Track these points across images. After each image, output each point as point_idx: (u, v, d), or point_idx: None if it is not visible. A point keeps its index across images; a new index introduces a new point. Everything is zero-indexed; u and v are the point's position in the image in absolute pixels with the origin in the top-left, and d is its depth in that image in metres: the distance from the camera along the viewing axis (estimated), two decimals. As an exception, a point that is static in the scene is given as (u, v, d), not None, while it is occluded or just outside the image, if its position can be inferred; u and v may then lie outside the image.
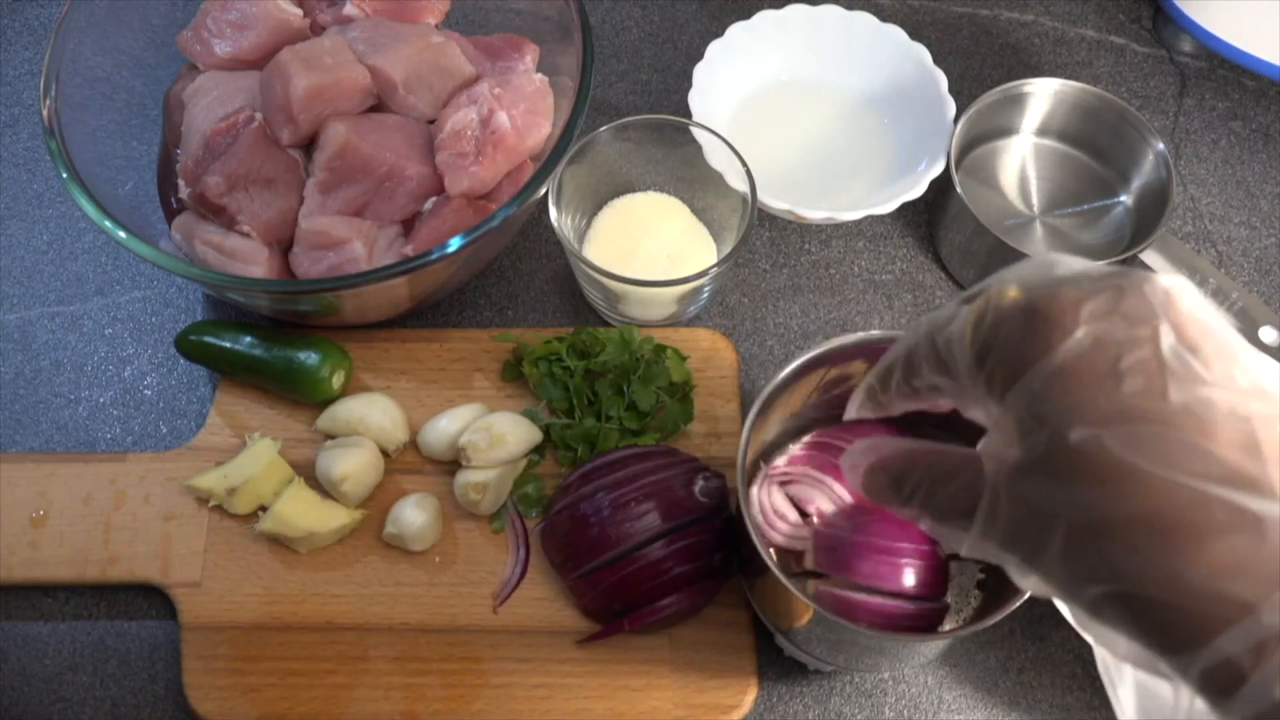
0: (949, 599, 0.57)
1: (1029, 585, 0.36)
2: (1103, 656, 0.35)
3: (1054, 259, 0.36)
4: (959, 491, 0.37)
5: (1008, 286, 0.36)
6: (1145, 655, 0.33)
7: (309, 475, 0.65)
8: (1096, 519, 0.32)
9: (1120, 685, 0.34)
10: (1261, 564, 0.30)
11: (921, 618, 0.55)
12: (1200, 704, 0.31)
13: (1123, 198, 0.75)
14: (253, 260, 0.65)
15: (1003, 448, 0.35)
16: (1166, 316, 0.33)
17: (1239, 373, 0.33)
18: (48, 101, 0.64)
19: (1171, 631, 0.31)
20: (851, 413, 0.44)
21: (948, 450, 0.39)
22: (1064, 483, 0.33)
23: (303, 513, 0.62)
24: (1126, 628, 0.32)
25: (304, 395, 0.66)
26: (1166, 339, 0.33)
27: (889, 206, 0.70)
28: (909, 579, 0.55)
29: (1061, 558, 0.33)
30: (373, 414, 0.65)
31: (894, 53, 0.77)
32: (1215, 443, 0.31)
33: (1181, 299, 0.34)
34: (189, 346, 0.68)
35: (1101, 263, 0.36)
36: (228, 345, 0.67)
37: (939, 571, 0.56)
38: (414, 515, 0.62)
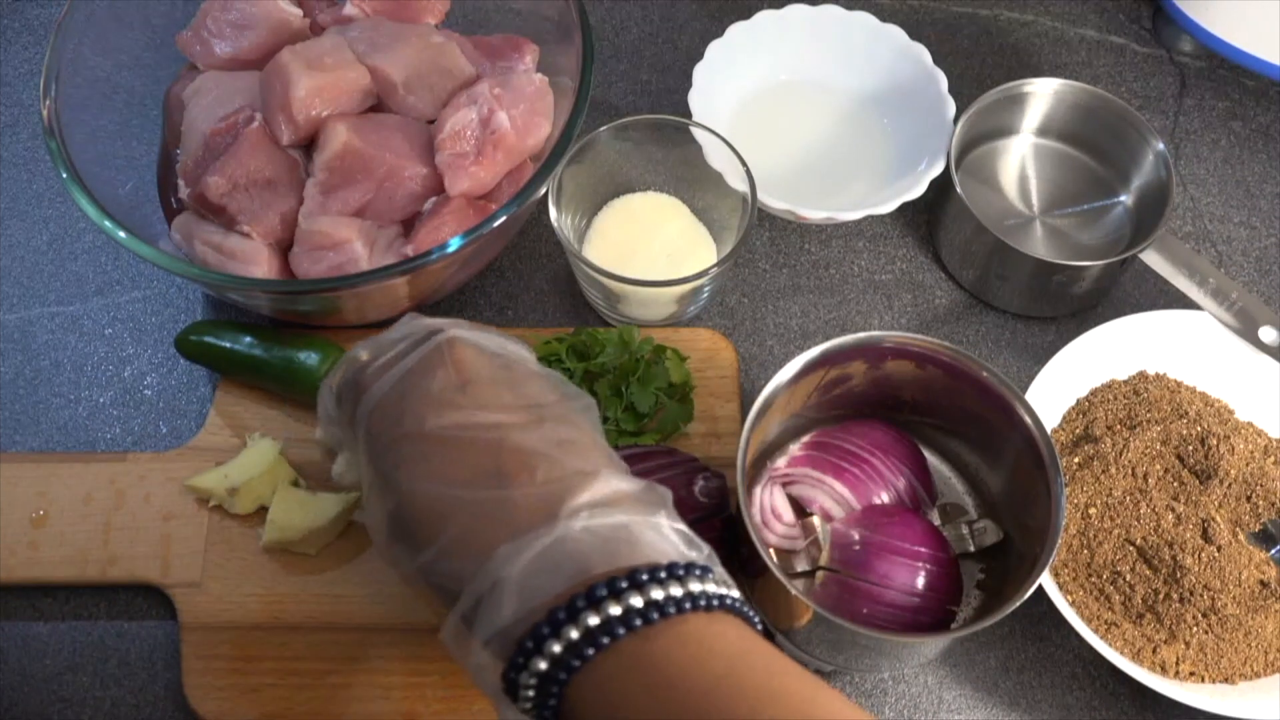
0: (955, 606, 0.57)
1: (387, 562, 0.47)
2: None
3: (404, 323, 0.49)
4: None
5: (360, 348, 0.49)
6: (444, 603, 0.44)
7: (309, 476, 0.65)
8: (394, 521, 0.44)
9: None
10: (478, 538, 0.41)
11: (925, 620, 0.55)
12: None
13: (1123, 198, 0.75)
14: (253, 260, 0.65)
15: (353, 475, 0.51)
16: (448, 359, 0.45)
17: (506, 395, 0.45)
18: (48, 101, 0.64)
19: (442, 592, 0.43)
20: (320, 436, 0.54)
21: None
22: (376, 493, 0.45)
23: (297, 512, 0.62)
24: (427, 588, 0.44)
25: (304, 395, 0.66)
26: (439, 378, 0.45)
27: (889, 206, 0.70)
28: (919, 581, 0.55)
29: (387, 547, 0.45)
30: None
31: (894, 53, 0.77)
32: (459, 455, 0.43)
33: (462, 345, 0.46)
34: (189, 347, 0.68)
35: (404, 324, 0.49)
36: (227, 345, 0.67)
37: (952, 578, 0.57)
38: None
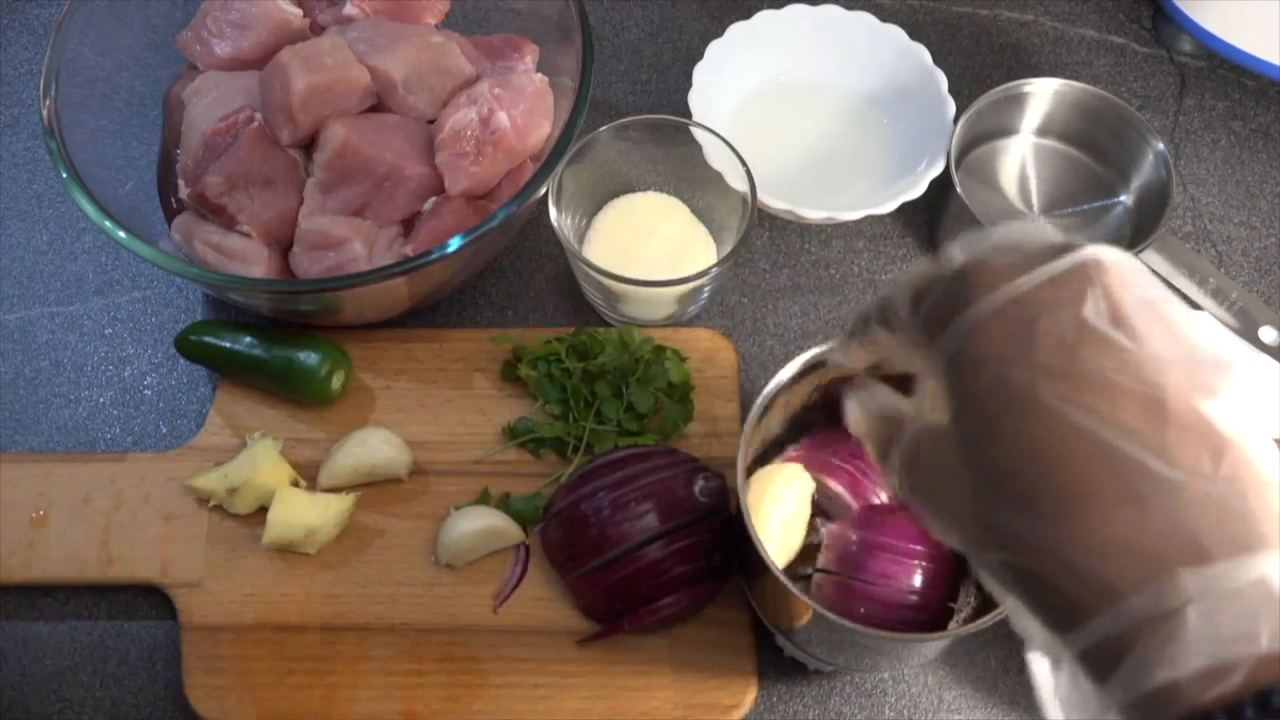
0: (954, 604, 0.57)
1: (948, 541, 0.36)
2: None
3: (1019, 227, 0.37)
4: (889, 440, 0.39)
5: (956, 247, 0.37)
6: (1039, 630, 0.33)
7: (312, 475, 0.65)
8: (997, 477, 0.33)
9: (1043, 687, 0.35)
10: (1144, 544, 0.30)
11: (924, 619, 0.55)
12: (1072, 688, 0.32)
13: (1123, 198, 0.75)
14: (253, 260, 0.65)
15: (927, 401, 0.37)
16: (1098, 283, 0.33)
17: (1170, 343, 0.32)
18: (48, 101, 0.64)
19: (1055, 607, 0.31)
20: (836, 357, 0.45)
21: (898, 408, 0.40)
22: (970, 433, 0.34)
23: (297, 511, 0.62)
24: (1020, 598, 0.33)
25: (304, 395, 0.66)
26: (1089, 306, 0.33)
27: (889, 206, 0.70)
28: (917, 580, 0.55)
29: (968, 519, 0.34)
30: (374, 453, 0.64)
31: (894, 53, 0.77)
32: (1116, 408, 0.31)
33: (1115, 270, 0.34)
34: (189, 347, 0.68)
35: (1060, 234, 0.36)
36: (227, 345, 0.67)
37: (948, 575, 0.57)
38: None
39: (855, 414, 0.42)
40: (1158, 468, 0.30)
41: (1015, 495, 0.32)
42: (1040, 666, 0.34)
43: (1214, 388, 0.32)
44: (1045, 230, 0.36)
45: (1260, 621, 0.29)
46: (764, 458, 0.62)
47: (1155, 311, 0.33)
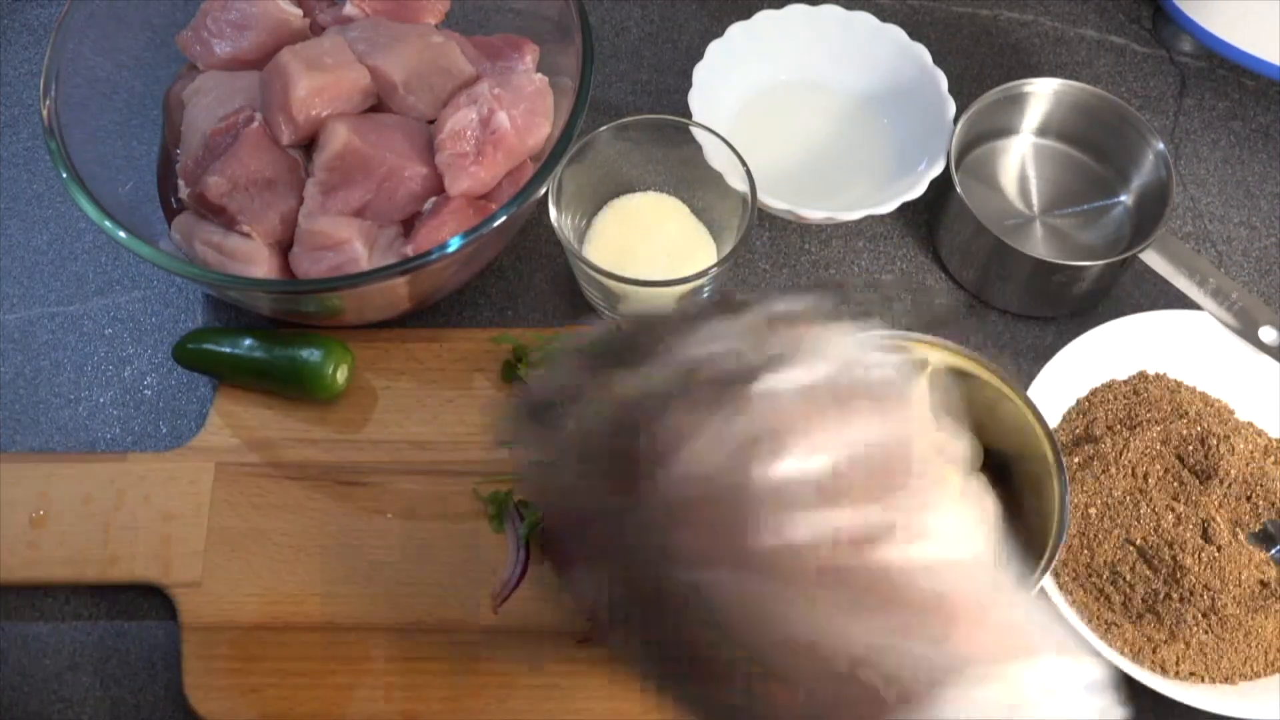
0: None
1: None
2: None
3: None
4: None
5: (632, 382, 0.33)
6: None
7: (311, 476, 0.65)
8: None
9: None
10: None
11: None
12: None
13: (1123, 198, 0.75)
14: (253, 260, 0.65)
15: None
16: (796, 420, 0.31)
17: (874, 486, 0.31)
18: (48, 101, 0.64)
19: None
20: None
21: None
22: (647, 617, 0.33)
23: None
24: None
25: (310, 393, 0.66)
26: (768, 466, 0.30)
27: (889, 206, 0.70)
28: None
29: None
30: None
31: (894, 53, 0.77)
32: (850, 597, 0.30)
33: (775, 397, 0.31)
34: (187, 356, 0.68)
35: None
36: (228, 350, 0.67)
37: None
38: None
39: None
40: (842, 644, 0.30)
41: (701, 679, 0.32)
42: None
43: (891, 534, 0.30)
44: (733, 333, 0.33)
45: None
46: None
47: (852, 416, 0.31)
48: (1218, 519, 0.61)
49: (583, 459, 0.33)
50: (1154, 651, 0.60)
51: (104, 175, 0.65)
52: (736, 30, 0.77)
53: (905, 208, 0.71)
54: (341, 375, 0.66)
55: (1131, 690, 0.62)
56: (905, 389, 0.32)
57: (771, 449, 0.30)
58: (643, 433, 0.31)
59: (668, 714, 0.34)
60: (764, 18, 0.78)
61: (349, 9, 0.72)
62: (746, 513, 0.30)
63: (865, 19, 0.77)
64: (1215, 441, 0.63)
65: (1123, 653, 0.59)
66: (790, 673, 0.29)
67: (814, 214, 0.70)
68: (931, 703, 0.28)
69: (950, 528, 0.31)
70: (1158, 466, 0.63)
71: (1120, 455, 0.63)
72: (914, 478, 0.31)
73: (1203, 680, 0.60)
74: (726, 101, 0.77)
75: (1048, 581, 0.60)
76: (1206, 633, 0.59)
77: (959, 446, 0.31)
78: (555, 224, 0.66)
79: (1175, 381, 0.67)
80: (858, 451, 0.30)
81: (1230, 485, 0.62)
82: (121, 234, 0.61)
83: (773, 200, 0.69)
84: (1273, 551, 0.61)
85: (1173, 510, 0.62)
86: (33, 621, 0.64)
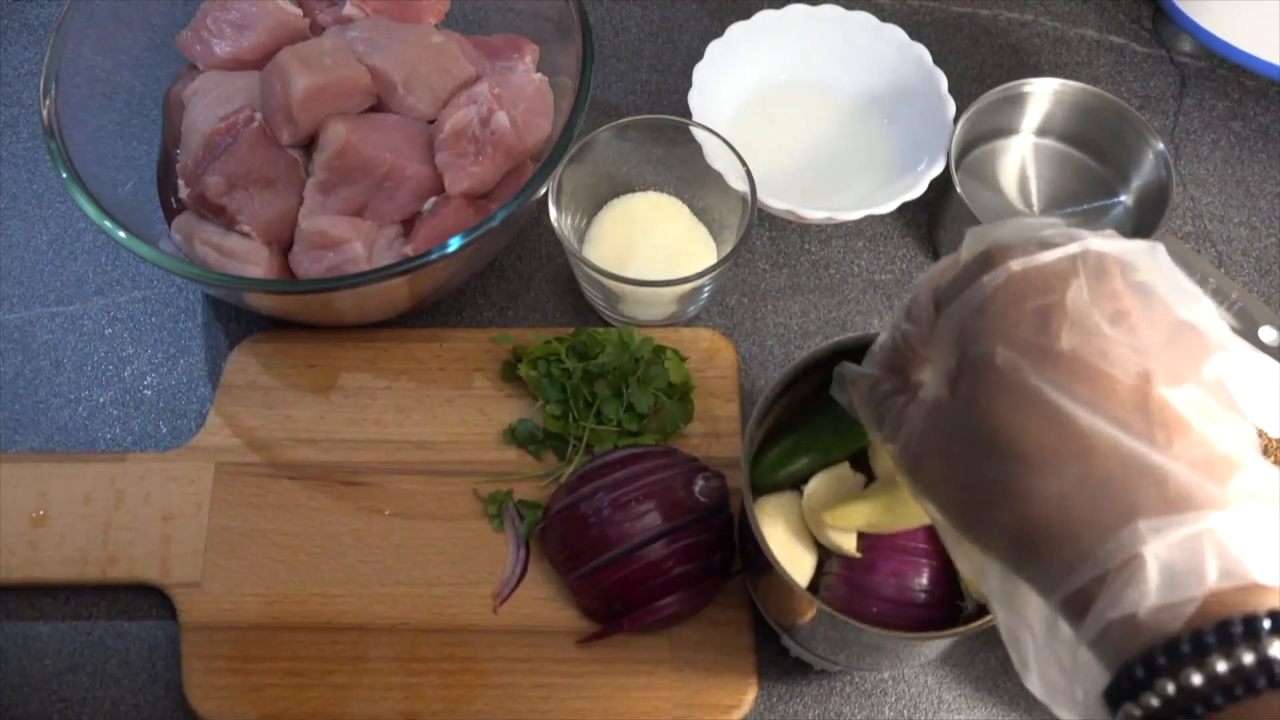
0: (961, 602, 0.57)
1: (935, 511, 0.40)
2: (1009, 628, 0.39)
3: (1035, 220, 0.40)
4: (893, 428, 0.41)
5: (971, 234, 0.40)
6: (1009, 588, 0.37)
7: (311, 476, 0.65)
8: (981, 437, 0.36)
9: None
10: (1105, 498, 0.34)
11: (932, 617, 0.55)
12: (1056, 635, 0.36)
13: (1123, 198, 0.75)
14: (253, 260, 0.65)
15: (928, 377, 0.40)
16: (1092, 270, 0.36)
17: (1149, 330, 0.35)
18: (48, 101, 0.64)
19: (1034, 563, 0.35)
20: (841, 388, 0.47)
21: (898, 381, 0.42)
22: (962, 399, 0.37)
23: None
24: (1002, 559, 0.37)
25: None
26: (1074, 292, 0.36)
27: (889, 206, 0.70)
28: (926, 578, 0.55)
29: (955, 481, 0.37)
30: None
31: (894, 53, 0.77)
32: (1087, 388, 0.34)
33: (1111, 259, 0.37)
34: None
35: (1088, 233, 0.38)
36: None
37: (954, 575, 0.57)
38: None
39: (854, 383, 0.44)
40: (1117, 438, 0.34)
41: (997, 453, 0.36)
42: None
43: (1181, 376, 0.35)
44: (1059, 224, 0.39)
45: (1207, 564, 0.32)
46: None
47: (1144, 299, 0.36)
48: None
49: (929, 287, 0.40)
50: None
51: (104, 175, 0.65)
52: (736, 30, 0.77)
53: (905, 208, 0.72)
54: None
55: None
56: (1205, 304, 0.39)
57: (1097, 284, 0.37)
58: (979, 256, 0.38)
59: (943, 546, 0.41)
60: (764, 18, 0.78)
61: (349, 9, 0.72)
62: (1072, 317, 0.35)
63: (865, 19, 0.77)
64: (1215, 441, 0.63)
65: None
66: (1078, 453, 0.34)
67: (814, 214, 0.70)
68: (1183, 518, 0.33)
69: (1227, 402, 0.36)
70: (1158, 466, 0.63)
71: (1120, 455, 0.63)
72: (1203, 367, 0.36)
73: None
74: (726, 101, 0.77)
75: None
76: (1206, 633, 0.59)
77: (1231, 357, 0.38)
78: (555, 224, 0.66)
79: (1175, 381, 0.67)
80: (1164, 328, 0.36)
81: (1230, 485, 0.62)
82: (121, 234, 0.61)
83: (773, 200, 0.69)
84: (1273, 551, 0.61)
85: (1173, 510, 0.61)
86: (33, 621, 0.64)
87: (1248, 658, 0.31)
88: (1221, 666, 0.31)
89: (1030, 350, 0.35)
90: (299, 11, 0.71)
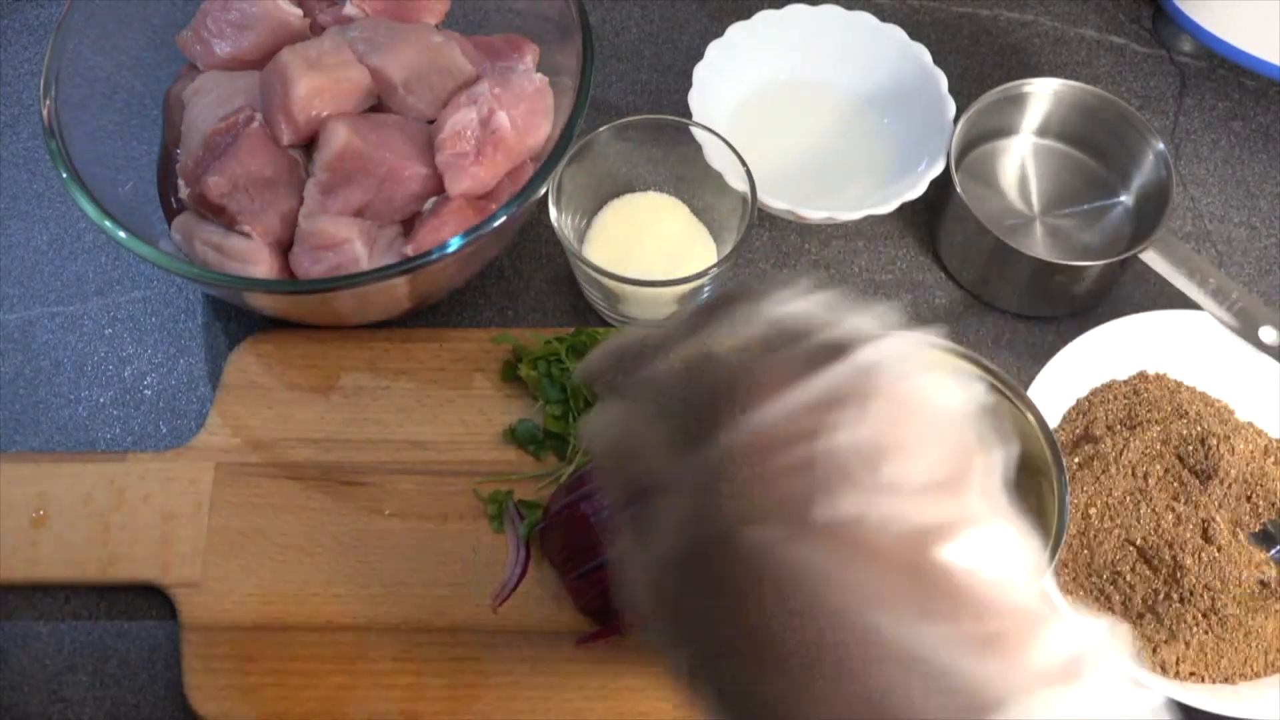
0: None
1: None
2: None
3: (795, 311, 0.33)
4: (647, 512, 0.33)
5: (724, 337, 0.33)
6: None
7: (311, 476, 0.65)
8: (730, 637, 0.29)
9: None
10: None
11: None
12: None
13: (1123, 198, 0.75)
14: (253, 260, 0.65)
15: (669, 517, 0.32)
16: (864, 398, 0.30)
17: (925, 459, 0.30)
18: (48, 101, 0.64)
19: None
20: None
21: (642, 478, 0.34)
22: (705, 581, 0.30)
23: None
24: None
25: None
26: (843, 436, 0.29)
27: (889, 206, 0.70)
28: None
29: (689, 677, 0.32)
30: None
31: (894, 53, 0.77)
32: (852, 566, 0.29)
33: (887, 374, 0.30)
34: None
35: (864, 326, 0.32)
36: None
37: None
38: None
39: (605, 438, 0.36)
40: (888, 632, 0.28)
41: (746, 657, 0.29)
42: None
43: (959, 517, 0.29)
44: (823, 315, 0.32)
45: None
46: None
47: (924, 418, 0.31)
48: (1218, 519, 0.61)
49: (661, 401, 0.33)
50: (1154, 652, 0.60)
51: (104, 175, 0.65)
52: (736, 30, 0.77)
53: (905, 208, 0.71)
54: None
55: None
56: (969, 393, 0.32)
57: (857, 417, 0.30)
58: (727, 382, 0.31)
59: (690, 707, 0.33)
60: (764, 18, 0.78)
61: (349, 9, 0.72)
62: (826, 475, 0.29)
63: (865, 19, 0.77)
64: (1215, 442, 0.63)
65: (1123, 653, 0.59)
66: (843, 660, 0.28)
67: (814, 214, 0.70)
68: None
69: (1006, 540, 0.30)
70: (1158, 467, 0.63)
71: (1120, 455, 0.63)
72: (974, 484, 0.31)
73: (1202, 680, 0.60)
74: (726, 101, 0.77)
75: (1047, 581, 0.60)
76: (1206, 633, 0.59)
77: (1001, 455, 0.31)
78: (555, 224, 0.66)
79: (1175, 382, 0.67)
80: (933, 447, 0.30)
81: (1230, 485, 0.62)
82: (121, 234, 0.61)
83: (773, 200, 0.69)
84: (1273, 551, 0.61)
85: (1173, 510, 0.62)
86: (33, 621, 0.64)
87: None
88: None
89: (781, 527, 0.29)
90: (299, 11, 0.71)
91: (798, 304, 0.33)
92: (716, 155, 0.68)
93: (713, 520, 0.30)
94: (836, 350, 0.31)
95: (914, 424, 0.31)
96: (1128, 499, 0.62)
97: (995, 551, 0.30)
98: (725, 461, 0.30)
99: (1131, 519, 0.62)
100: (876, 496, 0.29)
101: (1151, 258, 0.69)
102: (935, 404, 0.31)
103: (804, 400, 0.30)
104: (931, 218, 0.75)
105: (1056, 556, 0.53)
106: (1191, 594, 0.59)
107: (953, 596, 0.28)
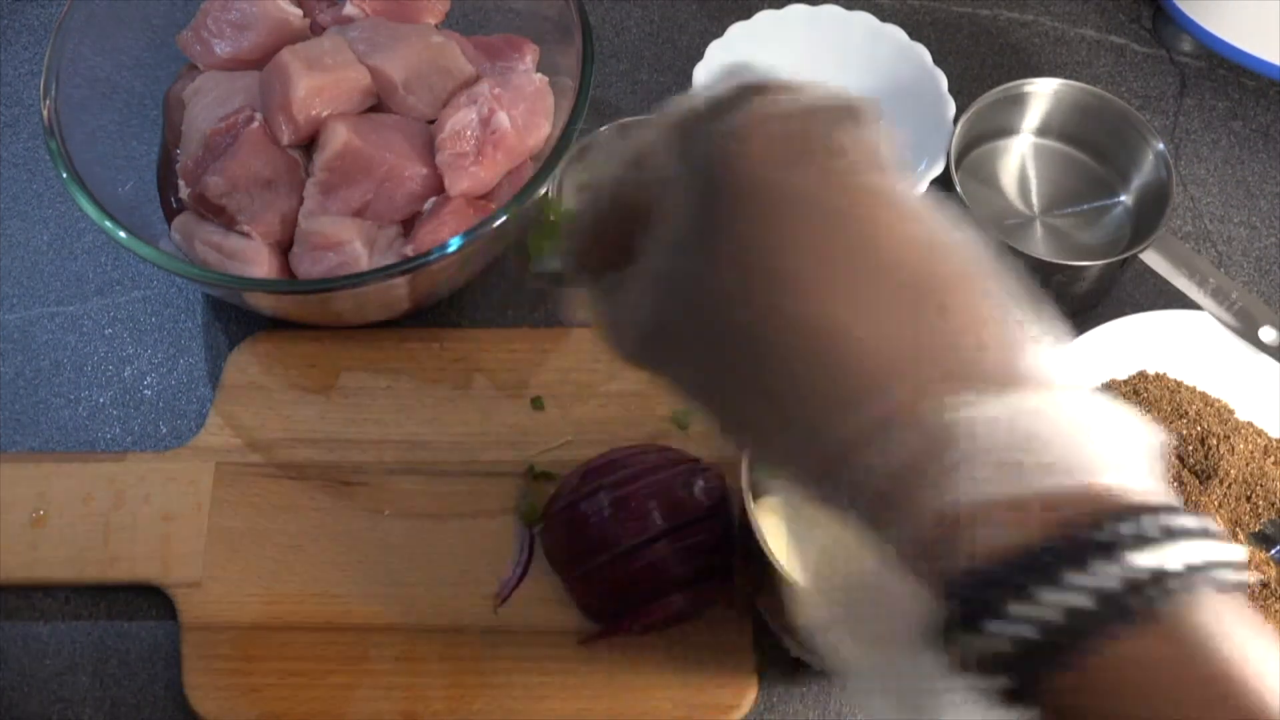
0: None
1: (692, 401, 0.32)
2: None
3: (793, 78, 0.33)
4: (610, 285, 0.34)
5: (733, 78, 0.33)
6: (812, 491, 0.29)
7: (311, 476, 0.65)
8: (753, 276, 0.29)
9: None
10: (919, 356, 0.27)
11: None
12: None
13: (1123, 198, 0.75)
14: (253, 260, 0.65)
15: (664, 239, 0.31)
16: (865, 127, 0.31)
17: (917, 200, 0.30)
18: (48, 101, 0.64)
19: (824, 439, 0.28)
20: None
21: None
22: (721, 236, 0.29)
23: None
24: (779, 444, 0.29)
25: None
26: (850, 139, 0.30)
27: (889, 206, 0.70)
28: None
29: (712, 355, 0.30)
30: None
31: (894, 53, 0.77)
32: (885, 238, 0.29)
33: (879, 123, 0.31)
34: None
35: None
36: None
37: None
38: None
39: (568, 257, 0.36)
40: (927, 312, 0.28)
41: (764, 287, 0.29)
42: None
43: (952, 247, 0.30)
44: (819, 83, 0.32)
45: (1050, 462, 0.26)
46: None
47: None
48: (1218, 519, 0.61)
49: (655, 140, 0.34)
50: (1154, 651, 0.60)
51: (104, 175, 0.65)
52: (736, 30, 0.77)
53: (905, 208, 0.71)
54: None
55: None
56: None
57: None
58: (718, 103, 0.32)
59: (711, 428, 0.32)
60: (764, 18, 0.78)
61: (349, 9, 0.72)
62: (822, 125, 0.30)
63: (865, 19, 0.77)
64: (1215, 441, 0.63)
65: (1123, 653, 0.59)
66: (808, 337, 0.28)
67: (814, 214, 0.70)
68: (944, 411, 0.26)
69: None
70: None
71: (1120, 455, 0.63)
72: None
73: (1203, 680, 0.60)
74: (726, 101, 0.77)
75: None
76: (1206, 633, 0.59)
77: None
78: (555, 224, 0.66)
79: (1175, 381, 0.67)
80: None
81: (1230, 485, 0.62)
82: (121, 234, 0.61)
83: (773, 200, 0.69)
84: (1273, 551, 0.61)
85: (1173, 510, 0.62)
86: (33, 621, 0.64)
87: (1141, 561, 0.25)
88: (1113, 575, 0.24)
89: (812, 163, 0.29)
90: (299, 11, 0.71)
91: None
92: (716, 155, 0.68)
93: (738, 157, 0.30)
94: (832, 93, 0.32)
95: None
96: (1128, 499, 0.62)
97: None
98: (748, 119, 0.30)
99: (1131, 519, 0.61)
100: (898, 192, 0.30)
101: (1151, 258, 0.69)
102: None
103: (805, 105, 0.31)
104: (931, 218, 0.75)
105: None
106: (1191, 594, 0.59)
107: (960, 286, 0.29)
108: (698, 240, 0.30)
